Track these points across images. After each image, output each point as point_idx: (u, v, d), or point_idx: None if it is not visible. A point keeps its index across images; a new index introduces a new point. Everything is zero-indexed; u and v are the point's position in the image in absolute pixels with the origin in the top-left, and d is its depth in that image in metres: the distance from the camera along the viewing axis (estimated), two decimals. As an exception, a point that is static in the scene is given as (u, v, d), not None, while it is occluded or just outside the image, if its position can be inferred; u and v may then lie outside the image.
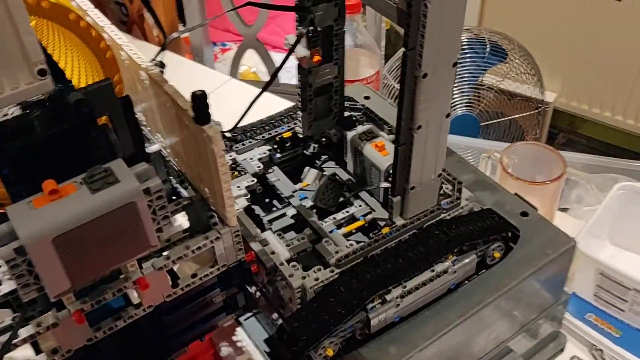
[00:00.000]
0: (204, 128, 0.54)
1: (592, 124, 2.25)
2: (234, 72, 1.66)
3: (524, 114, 1.92)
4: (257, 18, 1.55)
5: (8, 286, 0.57)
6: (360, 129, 0.80)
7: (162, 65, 0.65)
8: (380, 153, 0.76)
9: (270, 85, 0.77)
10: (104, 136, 0.44)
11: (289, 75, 1.78)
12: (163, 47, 0.65)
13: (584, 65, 2.11)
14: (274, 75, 0.77)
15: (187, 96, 0.53)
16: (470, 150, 1.69)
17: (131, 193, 0.42)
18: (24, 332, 0.53)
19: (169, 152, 0.70)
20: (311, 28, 0.73)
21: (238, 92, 1.35)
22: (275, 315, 0.78)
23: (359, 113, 0.86)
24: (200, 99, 0.52)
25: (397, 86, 1.69)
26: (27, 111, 0.43)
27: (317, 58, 0.75)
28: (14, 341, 0.50)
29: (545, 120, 2.05)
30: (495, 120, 1.88)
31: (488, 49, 1.85)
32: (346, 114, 0.85)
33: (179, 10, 1.64)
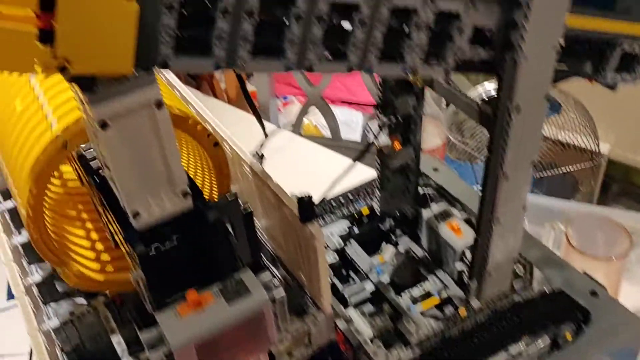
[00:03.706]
0: (307, 226, 0.60)
1: (647, 175, 2.24)
2: (297, 128, 1.73)
3: (579, 166, 1.93)
4: (322, 79, 1.63)
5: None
6: (435, 208, 0.85)
7: (261, 156, 0.72)
8: (456, 234, 0.80)
9: (360, 158, 0.81)
10: (229, 246, 0.50)
11: (348, 130, 1.85)
12: (265, 137, 0.72)
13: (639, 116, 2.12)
14: (355, 159, 0.81)
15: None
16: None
17: (261, 304, 0.48)
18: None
19: (262, 232, 0.77)
20: (393, 118, 0.78)
21: (304, 152, 1.42)
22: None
23: (432, 190, 0.91)
24: (307, 203, 0.59)
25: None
26: (168, 223, 0.50)
27: (398, 146, 0.80)
28: None
29: (599, 170, 2.06)
30: (549, 173, 1.90)
31: (543, 103, 1.87)
32: (420, 190, 0.90)
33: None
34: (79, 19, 0.38)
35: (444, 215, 0.83)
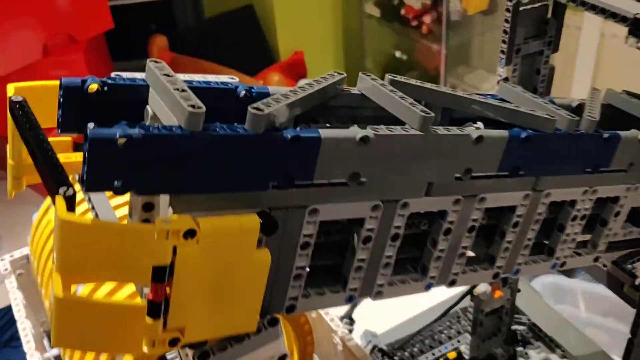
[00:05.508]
0: None
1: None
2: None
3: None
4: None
5: None
6: (534, 356, 0.75)
7: (352, 322, 0.62)
8: (563, 393, 0.70)
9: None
10: None
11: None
12: (353, 307, 0.63)
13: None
14: (450, 308, 0.73)
15: None
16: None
17: None
18: None
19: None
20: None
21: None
22: None
23: (524, 327, 0.81)
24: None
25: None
26: None
27: (499, 294, 0.71)
28: None
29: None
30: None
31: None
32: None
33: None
34: (200, 283, 0.29)
35: (547, 368, 0.73)
